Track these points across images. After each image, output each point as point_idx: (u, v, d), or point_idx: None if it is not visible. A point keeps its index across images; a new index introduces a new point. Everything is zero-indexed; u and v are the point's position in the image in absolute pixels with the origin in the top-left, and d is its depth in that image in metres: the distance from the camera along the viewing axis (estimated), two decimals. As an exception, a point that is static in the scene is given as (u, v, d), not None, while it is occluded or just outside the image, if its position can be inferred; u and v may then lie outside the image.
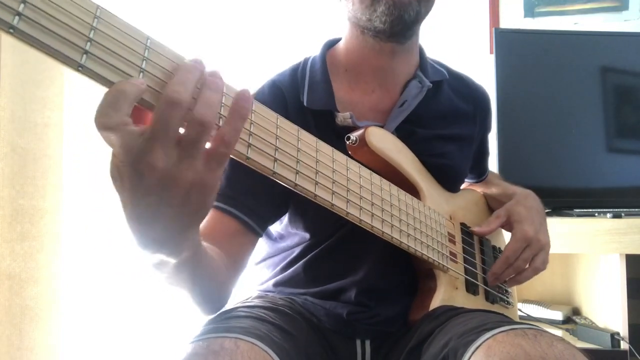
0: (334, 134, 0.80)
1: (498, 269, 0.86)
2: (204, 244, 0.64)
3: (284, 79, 0.86)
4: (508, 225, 0.91)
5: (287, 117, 0.79)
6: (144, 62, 0.44)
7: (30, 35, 0.38)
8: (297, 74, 0.86)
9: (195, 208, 0.46)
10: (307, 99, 0.82)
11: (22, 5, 0.37)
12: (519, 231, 0.87)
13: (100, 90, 0.43)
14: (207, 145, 0.45)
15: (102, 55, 0.41)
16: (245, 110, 0.47)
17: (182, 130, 0.43)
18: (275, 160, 0.55)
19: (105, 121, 0.40)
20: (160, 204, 0.44)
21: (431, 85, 0.86)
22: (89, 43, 0.40)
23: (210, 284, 0.66)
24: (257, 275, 0.94)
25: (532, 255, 0.86)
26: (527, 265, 0.86)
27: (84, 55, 0.40)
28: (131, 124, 0.42)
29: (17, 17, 0.37)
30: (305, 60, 0.88)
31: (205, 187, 0.45)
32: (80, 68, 0.40)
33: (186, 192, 0.44)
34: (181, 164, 0.43)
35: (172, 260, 0.52)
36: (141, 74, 0.43)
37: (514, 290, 1.03)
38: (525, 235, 0.86)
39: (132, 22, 0.44)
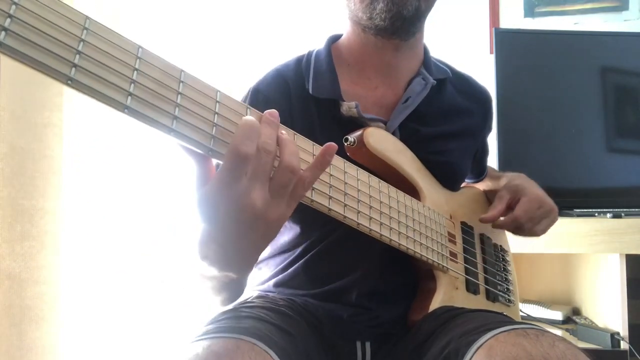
0: (337, 123, 0.80)
1: (504, 224, 0.89)
2: None
3: (288, 69, 0.86)
4: (514, 201, 0.92)
5: (289, 106, 0.81)
6: (135, 72, 0.43)
7: (18, 50, 0.37)
8: (301, 64, 0.86)
9: (271, 237, 0.55)
10: (312, 87, 0.82)
11: (8, 20, 0.36)
12: (531, 192, 0.89)
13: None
14: None
15: (92, 68, 0.40)
16: (327, 163, 0.56)
17: None
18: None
19: (242, 149, 0.48)
20: (248, 232, 0.51)
21: (435, 82, 0.86)
22: (77, 56, 0.40)
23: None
24: (257, 275, 0.93)
25: (542, 217, 0.88)
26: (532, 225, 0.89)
27: (73, 69, 0.39)
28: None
29: (3, 32, 0.36)
30: (310, 52, 0.88)
31: (282, 220, 0.53)
32: (69, 82, 0.39)
33: (270, 225, 0.52)
34: (272, 203, 0.51)
35: (235, 276, 0.58)
36: (132, 85, 0.43)
37: (516, 288, 1.03)
38: (538, 195, 0.88)
39: (121, 32, 0.44)
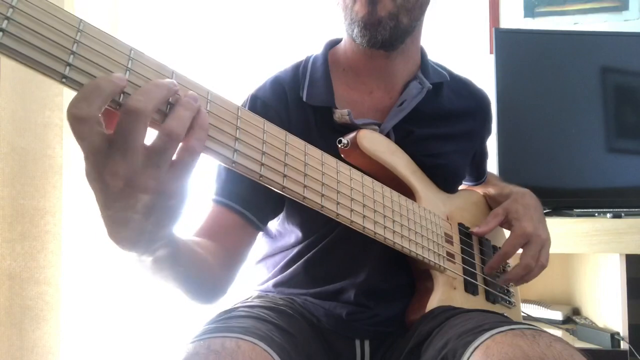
0: (332, 130, 0.80)
1: (495, 264, 0.87)
2: (189, 239, 0.66)
3: (286, 76, 0.87)
4: (507, 223, 0.91)
5: (287, 113, 0.81)
6: (127, 72, 0.44)
7: (15, 50, 0.39)
8: (298, 70, 0.87)
9: (163, 215, 0.47)
10: (306, 95, 0.83)
11: (5, 22, 0.38)
12: (518, 228, 0.87)
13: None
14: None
15: (86, 67, 0.42)
16: (207, 123, 0.48)
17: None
18: (262, 164, 0.55)
19: (75, 112, 0.41)
20: (126, 210, 0.44)
21: (431, 86, 0.86)
22: (72, 56, 0.41)
23: (197, 279, 0.66)
24: (257, 275, 0.94)
25: (537, 251, 0.86)
26: (535, 263, 0.86)
27: (67, 68, 0.41)
28: (101, 122, 0.42)
29: (0, 33, 0.38)
30: (308, 58, 0.89)
31: (171, 195, 0.46)
32: (64, 80, 0.41)
33: (151, 200, 0.45)
34: (144, 173, 0.43)
35: (147, 259, 0.53)
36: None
37: (517, 290, 1.03)
38: (524, 231, 0.86)
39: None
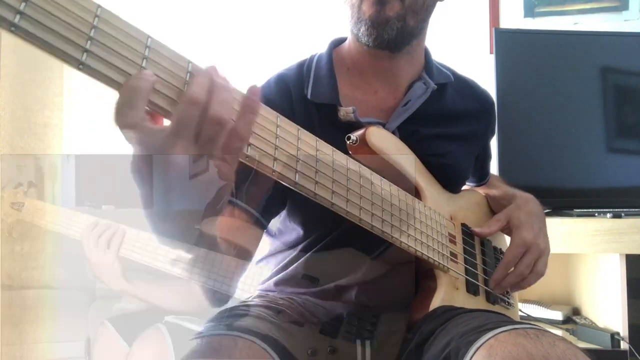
0: (336, 128, 0.80)
1: (499, 276, 0.86)
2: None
3: (291, 73, 0.87)
4: (507, 229, 0.91)
5: (291, 111, 0.81)
6: (145, 60, 0.44)
7: (32, 33, 0.38)
8: (303, 68, 0.87)
9: (215, 200, 0.50)
10: (311, 92, 0.83)
11: (23, 4, 0.37)
12: (517, 237, 0.86)
13: (100, 91, 0.42)
14: None
15: (103, 54, 0.41)
16: (256, 104, 0.50)
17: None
18: (275, 159, 0.55)
19: (123, 120, 0.42)
20: (181, 199, 0.47)
21: (436, 87, 0.86)
22: (89, 41, 0.41)
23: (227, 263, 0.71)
24: (258, 275, 0.94)
25: (533, 261, 0.86)
26: (530, 271, 0.86)
27: (85, 54, 0.40)
28: (149, 120, 0.44)
29: (18, 16, 0.37)
30: (312, 57, 0.89)
31: (222, 180, 0.49)
32: (81, 66, 0.40)
33: (206, 186, 0.47)
34: (200, 160, 0.46)
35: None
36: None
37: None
38: (524, 240, 0.85)
39: (133, 22, 0.45)
